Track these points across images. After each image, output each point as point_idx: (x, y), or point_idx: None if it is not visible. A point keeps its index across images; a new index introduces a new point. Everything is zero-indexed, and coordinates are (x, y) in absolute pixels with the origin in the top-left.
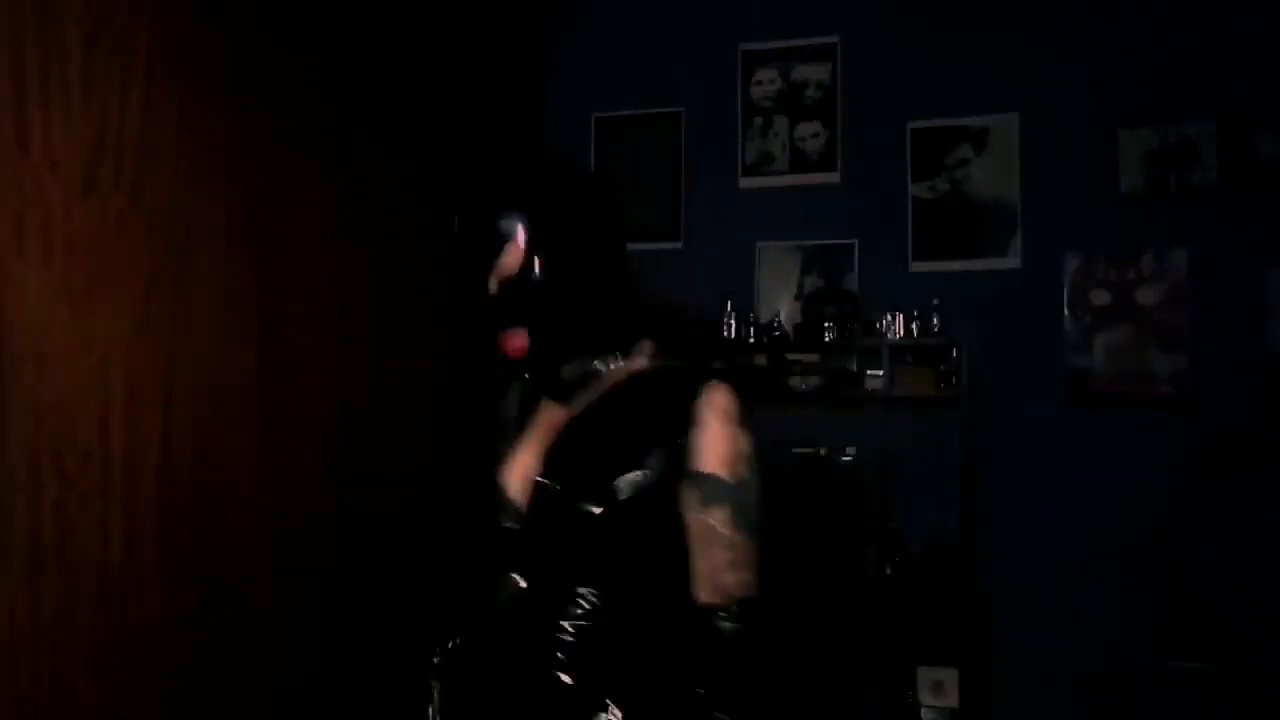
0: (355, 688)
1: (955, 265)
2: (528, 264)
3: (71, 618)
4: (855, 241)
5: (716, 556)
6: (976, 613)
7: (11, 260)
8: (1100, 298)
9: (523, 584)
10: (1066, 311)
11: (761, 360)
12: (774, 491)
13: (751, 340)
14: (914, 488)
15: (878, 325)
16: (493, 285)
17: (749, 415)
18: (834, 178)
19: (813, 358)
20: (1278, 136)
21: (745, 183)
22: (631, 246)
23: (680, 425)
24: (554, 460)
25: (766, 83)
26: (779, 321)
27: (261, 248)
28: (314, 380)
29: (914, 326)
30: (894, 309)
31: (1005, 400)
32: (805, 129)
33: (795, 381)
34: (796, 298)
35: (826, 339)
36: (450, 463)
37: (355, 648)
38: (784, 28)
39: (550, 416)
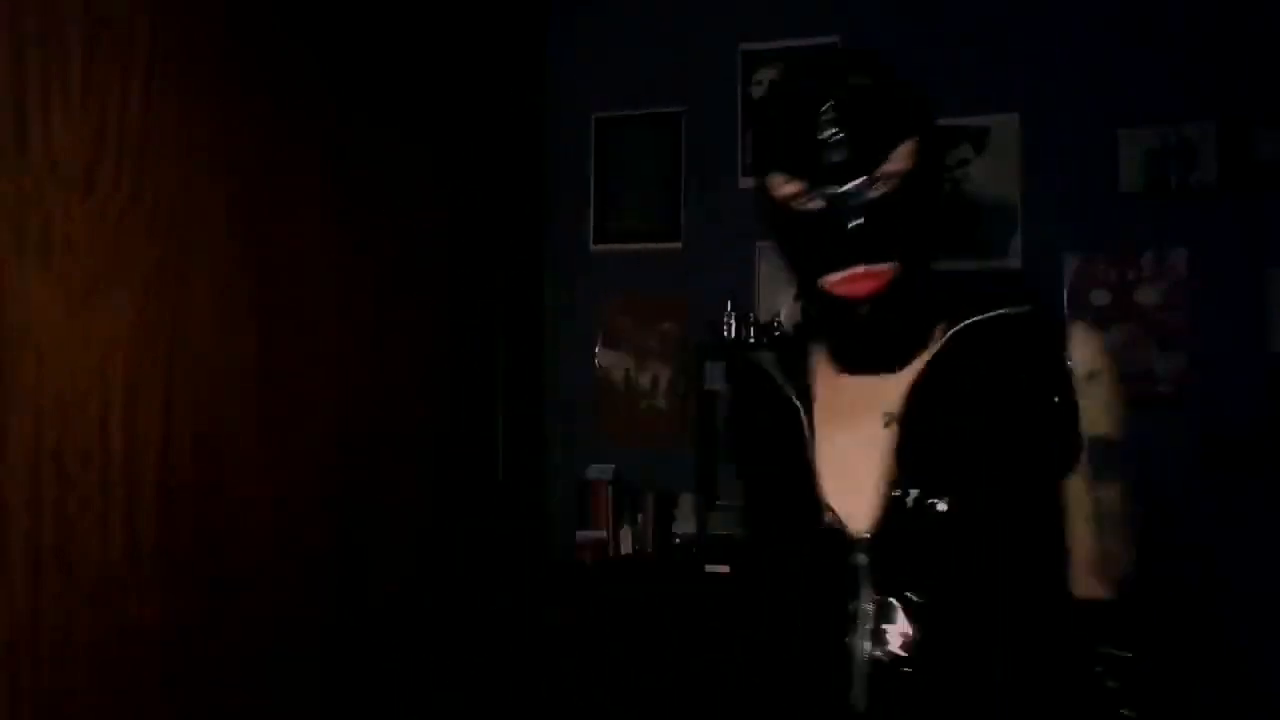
0: (356, 688)
1: (955, 265)
2: (914, 178)
3: (71, 618)
4: None
5: (1109, 540)
6: None
7: (11, 260)
8: (1100, 298)
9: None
10: (1066, 311)
11: None
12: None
13: (751, 340)
14: None
15: None
16: (843, 203)
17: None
18: None
19: None
20: (1278, 136)
21: (745, 183)
22: (632, 247)
23: (1051, 382)
24: (914, 456)
25: (766, 83)
26: (779, 321)
27: (262, 247)
28: (315, 379)
29: None
30: None
31: None
32: None
33: None
34: (797, 298)
35: None
36: (452, 462)
37: (357, 647)
38: (784, 28)
39: (873, 396)
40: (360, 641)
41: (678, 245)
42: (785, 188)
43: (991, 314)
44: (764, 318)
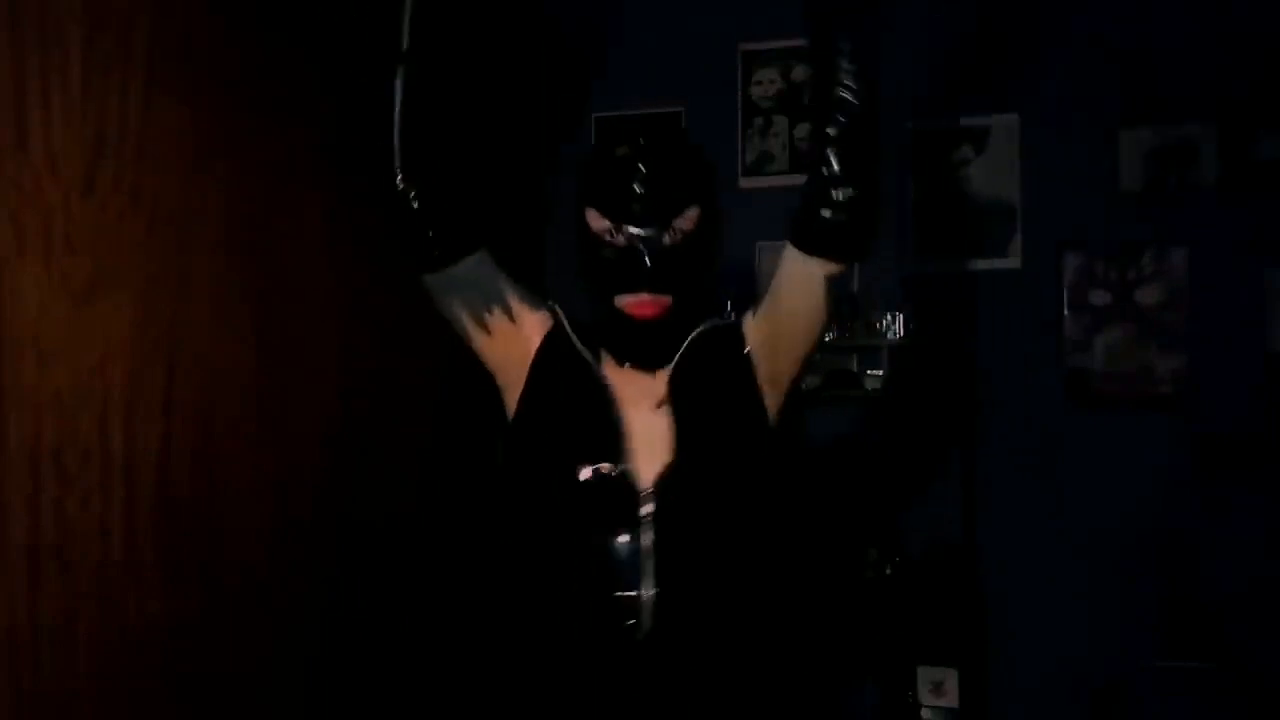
0: (357, 688)
1: (955, 265)
2: (694, 235)
3: (71, 618)
4: None
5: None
6: (976, 613)
7: (11, 259)
8: (1100, 298)
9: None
10: (1066, 311)
11: None
12: (774, 492)
13: None
14: (914, 488)
15: (878, 325)
16: (641, 244)
17: None
18: None
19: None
20: (1278, 136)
21: (745, 183)
22: None
23: (738, 362)
24: (687, 434)
25: (766, 83)
26: None
27: (261, 247)
28: (314, 379)
29: (914, 326)
30: (894, 309)
31: (1005, 400)
32: (805, 129)
33: None
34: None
35: (826, 339)
36: (453, 461)
37: (356, 648)
38: (784, 28)
39: (643, 388)
40: (360, 641)
41: None
42: (598, 222)
43: (704, 327)
44: None
